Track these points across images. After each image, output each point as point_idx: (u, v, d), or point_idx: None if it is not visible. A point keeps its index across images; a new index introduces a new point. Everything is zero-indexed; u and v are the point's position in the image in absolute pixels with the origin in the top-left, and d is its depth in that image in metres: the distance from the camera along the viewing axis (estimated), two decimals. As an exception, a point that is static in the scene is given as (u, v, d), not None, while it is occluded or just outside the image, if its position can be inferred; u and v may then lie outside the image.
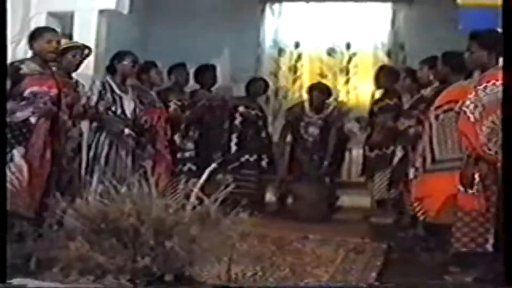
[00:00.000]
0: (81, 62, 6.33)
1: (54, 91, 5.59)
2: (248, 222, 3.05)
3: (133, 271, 2.68)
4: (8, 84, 5.36)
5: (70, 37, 6.99)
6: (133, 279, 2.70)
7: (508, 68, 3.86)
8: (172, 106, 7.76)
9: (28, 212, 5.24)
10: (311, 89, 8.56)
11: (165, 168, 6.93)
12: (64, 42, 6.22)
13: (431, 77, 6.53)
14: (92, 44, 6.90)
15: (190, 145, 7.98)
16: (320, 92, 8.46)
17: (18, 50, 6.95)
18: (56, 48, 5.70)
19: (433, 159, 5.71)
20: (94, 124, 6.59)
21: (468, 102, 5.04)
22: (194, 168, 7.86)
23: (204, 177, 3.17)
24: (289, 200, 8.54)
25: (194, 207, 2.85)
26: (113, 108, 6.60)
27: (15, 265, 4.23)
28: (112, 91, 6.61)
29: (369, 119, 7.99)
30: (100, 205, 2.73)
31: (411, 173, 6.21)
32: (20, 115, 5.44)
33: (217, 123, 8.38)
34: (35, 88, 5.49)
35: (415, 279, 5.36)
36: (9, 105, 5.36)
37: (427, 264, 5.74)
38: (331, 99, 8.63)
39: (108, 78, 6.69)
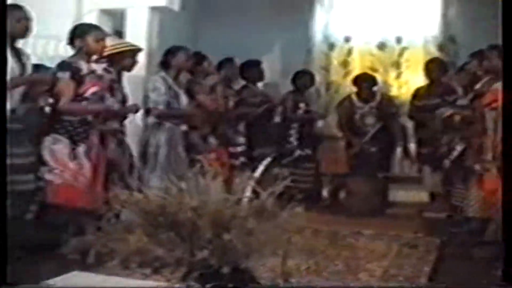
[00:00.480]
0: (136, 62, 6.36)
1: (102, 88, 5.66)
2: (304, 216, 3.06)
3: (191, 264, 2.71)
4: (72, 85, 5.44)
5: (121, 34, 7.04)
6: (190, 272, 2.73)
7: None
8: (229, 101, 7.84)
9: (91, 208, 5.32)
10: (356, 79, 8.58)
11: (221, 162, 6.99)
12: (123, 44, 6.27)
13: (479, 72, 6.48)
14: (143, 41, 6.96)
15: (241, 139, 8.03)
16: (367, 81, 8.46)
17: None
18: (104, 47, 5.68)
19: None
20: (153, 120, 6.64)
21: None
22: (247, 161, 7.93)
23: (259, 170, 3.19)
24: (342, 194, 8.53)
25: (250, 201, 2.87)
26: (172, 104, 6.66)
27: (73, 259, 4.33)
28: (169, 86, 6.66)
29: (420, 113, 7.96)
30: (158, 199, 2.77)
31: (479, 167, 6.18)
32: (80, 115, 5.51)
33: (269, 118, 8.43)
34: (94, 89, 5.54)
35: (467, 275, 5.36)
36: (72, 104, 5.48)
37: (480, 259, 5.71)
38: (377, 88, 8.62)
39: (164, 74, 6.72)
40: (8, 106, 4.73)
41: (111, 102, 5.74)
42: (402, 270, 5.45)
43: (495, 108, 5.78)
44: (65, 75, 5.41)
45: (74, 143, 5.42)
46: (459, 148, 6.85)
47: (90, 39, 5.54)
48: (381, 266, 5.55)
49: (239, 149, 7.93)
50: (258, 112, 8.08)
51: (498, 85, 5.78)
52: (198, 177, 2.90)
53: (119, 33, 7.13)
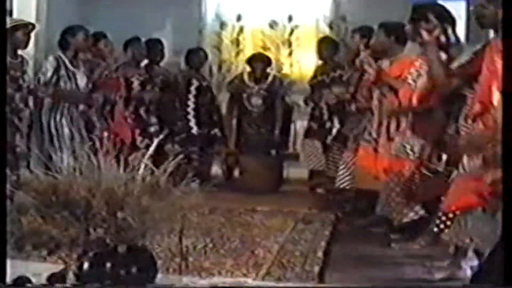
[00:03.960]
0: (29, 38, 6.18)
1: None
2: (198, 193, 3.03)
3: (86, 243, 2.66)
4: None
5: (10, 13, 6.83)
6: (86, 251, 2.69)
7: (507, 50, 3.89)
8: (135, 81, 7.77)
9: None
10: (251, 60, 8.61)
11: (124, 141, 6.94)
12: (10, 20, 6.07)
13: (362, 47, 6.57)
14: (32, 19, 6.79)
15: (153, 119, 7.98)
16: (260, 62, 8.50)
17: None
18: None
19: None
20: (48, 100, 6.50)
21: (412, 70, 5.19)
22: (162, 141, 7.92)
23: (152, 148, 3.16)
24: (236, 172, 8.56)
25: (143, 179, 2.83)
26: (68, 85, 6.53)
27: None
28: (66, 67, 6.52)
29: (310, 92, 8.06)
30: (49, 179, 2.71)
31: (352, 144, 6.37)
32: None
33: (174, 98, 8.39)
34: None
35: (364, 248, 5.48)
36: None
37: (373, 232, 5.84)
38: (270, 69, 8.67)
39: (60, 54, 6.56)
40: None
41: None
42: (298, 246, 5.52)
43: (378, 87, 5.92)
44: None
45: None
46: (337, 125, 7.02)
47: None
48: (277, 242, 5.60)
49: (152, 129, 7.86)
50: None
51: (381, 63, 5.93)
52: (90, 156, 2.85)
53: (8, 12, 6.90)
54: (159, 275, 3.15)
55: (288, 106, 8.68)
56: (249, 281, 2.71)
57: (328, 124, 7.57)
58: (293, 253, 5.25)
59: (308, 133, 8.12)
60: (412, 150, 5.42)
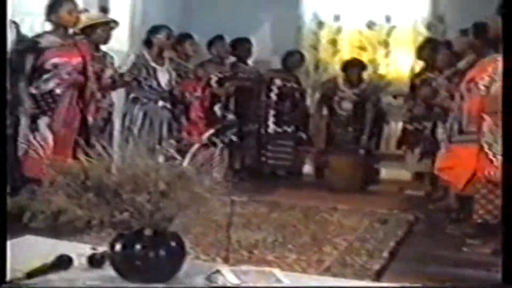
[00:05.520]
0: (110, 35, 6.44)
1: (77, 61, 5.69)
2: (224, 184, 3.06)
3: (113, 225, 2.80)
4: (31, 58, 5.54)
5: (105, 9, 7.13)
6: (121, 233, 2.81)
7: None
8: (213, 78, 7.99)
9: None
10: (346, 65, 8.64)
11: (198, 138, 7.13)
12: (95, 17, 6.36)
13: (470, 51, 6.53)
14: (126, 17, 7.07)
15: (231, 116, 8.18)
16: (356, 67, 8.53)
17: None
18: (77, 19, 5.73)
19: (461, 131, 5.75)
20: (131, 95, 6.81)
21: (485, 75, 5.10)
22: (235, 138, 8.12)
23: (196, 146, 3.24)
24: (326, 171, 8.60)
25: (173, 167, 2.93)
26: (148, 81, 6.80)
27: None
28: (147, 63, 6.79)
29: (410, 92, 8.00)
30: (86, 163, 2.86)
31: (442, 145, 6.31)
32: (44, 87, 5.59)
33: (254, 95, 8.55)
34: (55, 60, 5.58)
35: (434, 250, 5.44)
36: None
37: (451, 235, 5.78)
38: (367, 73, 8.67)
39: (144, 51, 6.89)
40: None
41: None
42: (367, 244, 5.54)
43: (469, 89, 5.83)
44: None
45: (35, 115, 5.54)
46: (428, 124, 6.96)
47: (62, 12, 5.59)
48: (347, 240, 5.65)
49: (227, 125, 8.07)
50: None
51: (478, 66, 5.84)
52: (129, 145, 2.99)
53: (103, 9, 7.21)
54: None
55: (381, 107, 8.67)
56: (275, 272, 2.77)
57: (421, 126, 7.52)
58: (359, 251, 5.29)
59: (405, 135, 8.10)
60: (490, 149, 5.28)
